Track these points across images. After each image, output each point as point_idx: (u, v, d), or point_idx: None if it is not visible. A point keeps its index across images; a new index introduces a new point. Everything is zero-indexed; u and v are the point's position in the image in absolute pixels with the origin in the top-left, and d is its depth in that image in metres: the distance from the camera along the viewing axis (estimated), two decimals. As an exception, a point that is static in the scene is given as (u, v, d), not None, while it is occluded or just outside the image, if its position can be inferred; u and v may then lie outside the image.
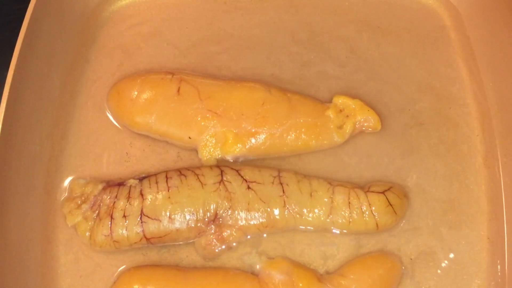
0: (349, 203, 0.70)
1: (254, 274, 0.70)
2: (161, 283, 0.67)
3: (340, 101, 0.76)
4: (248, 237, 0.71)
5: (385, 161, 0.76)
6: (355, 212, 0.70)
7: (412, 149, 0.77)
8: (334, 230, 0.71)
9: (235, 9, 0.84)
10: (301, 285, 0.67)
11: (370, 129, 0.76)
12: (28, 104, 0.71)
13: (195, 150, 0.75)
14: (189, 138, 0.72)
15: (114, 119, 0.77)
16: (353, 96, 0.76)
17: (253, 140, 0.72)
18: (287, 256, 0.71)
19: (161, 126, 0.73)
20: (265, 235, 0.72)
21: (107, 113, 0.77)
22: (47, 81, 0.74)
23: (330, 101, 0.77)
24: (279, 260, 0.70)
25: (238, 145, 0.72)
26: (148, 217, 0.68)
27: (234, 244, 0.70)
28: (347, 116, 0.75)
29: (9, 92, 0.66)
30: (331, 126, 0.74)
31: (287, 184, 0.70)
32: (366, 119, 0.75)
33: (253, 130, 0.72)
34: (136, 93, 0.74)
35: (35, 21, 0.69)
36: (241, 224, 0.69)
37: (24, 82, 0.69)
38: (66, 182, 0.74)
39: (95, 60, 0.79)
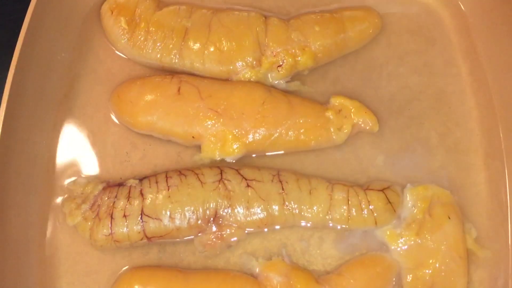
0: (348, 200, 0.70)
1: (253, 276, 0.70)
2: (162, 284, 0.67)
3: (338, 101, 0.76)
4: (246, 231, 0.70)
5: (384, 160, 0.76)
6: (354, 210, 0.70)
7: (412, 149, 0.77)
8: (332, 227, 0.72)
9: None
10: (299, 286, 0.67)
11: (368, 127, 0.76)
12: (28, 104, 0.71)
13: (195, 150, 0.75)
14: (193, 137, 0.73)
15: (115, 120, 0.77)
16: (352, 96, 0.77)
17: (252, 140, 0.72)
18: (285, 256, 0.71)
19: (164, 125, 0.73)
20: (264, 232, 0.72)
21: (107, 113, 0.77)
22: (47, 80, 0.74)
23: (328, 101, 0.77)
24: (277, 262, 0.70)
25: (238, 145, 0.72)
26: (149, 217, 0.68)
27: (234, 239, 0.70)
28: (345, 117, 0.75)
29: (9, 92, 0.66)
30: (331, 127, 0.74)
31: (286, 182, 0.71)
32: (364, 120, 0.75)
33: (253, 130, 0.72)
34: (136, 94, 0.74)
35: (35, 21, 0.69)
36: (241, 221, 0.69)
37: (24, 82, 0.69)
38: (66, 182, 0.74)
39: (95, 60, 0.79)
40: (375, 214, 0.70)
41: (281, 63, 0.75)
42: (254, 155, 0.75)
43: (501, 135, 0.76)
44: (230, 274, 0.69)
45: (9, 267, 0.67)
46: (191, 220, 0.68)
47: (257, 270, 0.70)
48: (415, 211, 0.71)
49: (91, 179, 0.73)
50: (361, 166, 0.76)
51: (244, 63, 0.75)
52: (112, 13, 0.77)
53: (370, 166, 0.76)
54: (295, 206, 0.70)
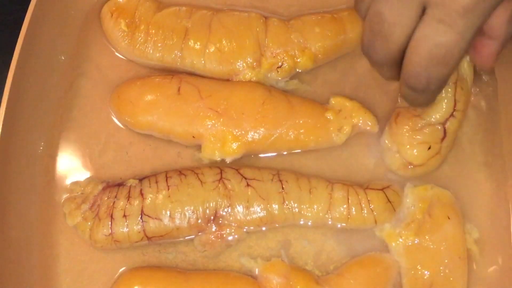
0: (348, 199, 0.70)
1: (253, 277, 0.70)
2: (162, 284, 0.67)
3: (337, 102, 0.76)
4: (245, 230, 0.70)
5: (384, 160, 0.76)
6: (353, 209, 0.70)
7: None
8: (332, 227, 0.72)
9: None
10: (298, 287, 0.67)
11: (368, 128, 0.75)
12: (28, 104, 0.71)
13: (195, 149, 0.75)
14: (193, 137, 0.73)
15: (115, 120, 0.77)
16: (352, 97, 0.76)
17: (252, 140, 0.72)
18: (285, 256, 0.71)
19: (164, 125, 0.73)
20: (263, 232, 0.72)
21: (107, 113, 0.77)
22: (47, 81, 0.74)
23: (328, 101, 0.76)
24: (276, 262, 0.70)
25: (238, 144, 0.72)
26: (149, 217, 0.68)
27: (233, 238, 0.70)
28: (345, 117, 0.75)
29: (9, 92, 0.66)
30: (331, 128, 0.74)
31: (286, 181, 0.71)
32: (364, 121, 0.75)
33: (253, 129, 0.72)
34: (136, 94, 0.74)
35: (35, 21, 0.69)
36: (241, 221, 0.69)
37: (24, 82, 0.69)
38: (66, 182, 0.74)
39: (96, 60, 0.79)
40: (375, 213, 0.70)
41: (280, 65, 0.75)
42: (254, 155, 0.75)
43: (502, 134, 0.76)
44: (230, 275, 0.69)
45: (9, 267, 0.67)
46: (191, 219, 0.68)
47: (256, 271, 0.70)
48: (414, 211, 0.71)
49: (91, 179, 0.73)
50: (360, 166, 0.76)
51: (244, 64, 0.75)
52: (112, 15, 0.77)
53: (370, 166, 0.76)
54: (295, 205, 0.70)
